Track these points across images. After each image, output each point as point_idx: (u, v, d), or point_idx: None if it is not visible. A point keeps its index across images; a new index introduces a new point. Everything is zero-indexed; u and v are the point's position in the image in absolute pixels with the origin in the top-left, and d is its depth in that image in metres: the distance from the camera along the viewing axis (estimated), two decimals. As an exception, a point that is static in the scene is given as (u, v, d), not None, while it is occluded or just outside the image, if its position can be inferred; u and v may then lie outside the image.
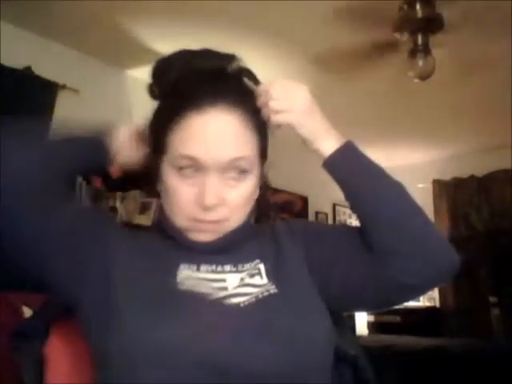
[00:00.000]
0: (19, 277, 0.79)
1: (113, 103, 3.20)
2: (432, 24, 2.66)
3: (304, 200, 4.95)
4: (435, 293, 4.94)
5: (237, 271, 0.82)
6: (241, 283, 0.80)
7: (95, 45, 3.08)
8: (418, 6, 2.60)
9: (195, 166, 0.78)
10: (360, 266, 0.82)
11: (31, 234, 0.76)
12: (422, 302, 5.03)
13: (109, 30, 2.91)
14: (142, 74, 3.34)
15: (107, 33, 2.94)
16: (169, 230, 0.84)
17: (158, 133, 0.82)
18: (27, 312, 0.95)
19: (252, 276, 0.81)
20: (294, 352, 0.73)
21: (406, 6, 2.62)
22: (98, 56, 3.20)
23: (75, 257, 0.78)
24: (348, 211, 5.45)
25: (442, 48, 2.85)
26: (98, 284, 0.77)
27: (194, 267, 0.81)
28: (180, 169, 0.79)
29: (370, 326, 4.82)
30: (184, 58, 0.85)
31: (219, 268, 0.82)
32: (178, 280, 0.78)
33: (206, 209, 0.78)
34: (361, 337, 4.47)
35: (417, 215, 0.82)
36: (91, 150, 0.87)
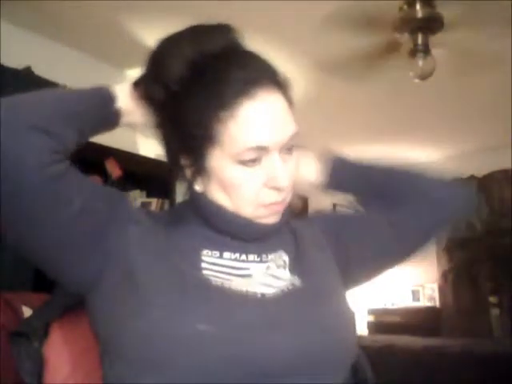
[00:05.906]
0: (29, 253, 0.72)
1: (113, 103, 3.20)
2: (432, 24, 2.66)
3: (304, 200, 4.94)
4: (435, 293, 4.94)
5: (261, 261, 0.81)
6: (266, 272, 0.80)
7: (95, 45, 3.08)
8: (418, 6, 2.61)
9: (259, 154, 0.75)
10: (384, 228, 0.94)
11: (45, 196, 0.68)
12: (422, 302, 5.03)
13: (109, 30, 2.91)
14: (142, 74, 3.35)
15: (107, 33, 2.94)
16: (220, 219, 0.79)
17: (196, 127, 0.74)
18: (27, 312, 0.95)
19: (278, 267, 0.81)
20: (321, 344, 0.74)
21: (405, 6, 2.62)
22: (98, 56, 3.20)
23: (91, 239, 0.73)
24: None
25: (442, 48, 2.85)
26: (118, 264, 0.73)
27: (217, 253, 0.79)
28: (243, 161, 0.75)
29: (370, 325, 4.82)
30: (184, 41, 0.80)
31: (243, 257, 0.80)
32: (203, 266, 0.77)
33: (281, 191, 0.77)
34: (361, 337, 4.48)
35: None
36: (99, 99, 0.79)
